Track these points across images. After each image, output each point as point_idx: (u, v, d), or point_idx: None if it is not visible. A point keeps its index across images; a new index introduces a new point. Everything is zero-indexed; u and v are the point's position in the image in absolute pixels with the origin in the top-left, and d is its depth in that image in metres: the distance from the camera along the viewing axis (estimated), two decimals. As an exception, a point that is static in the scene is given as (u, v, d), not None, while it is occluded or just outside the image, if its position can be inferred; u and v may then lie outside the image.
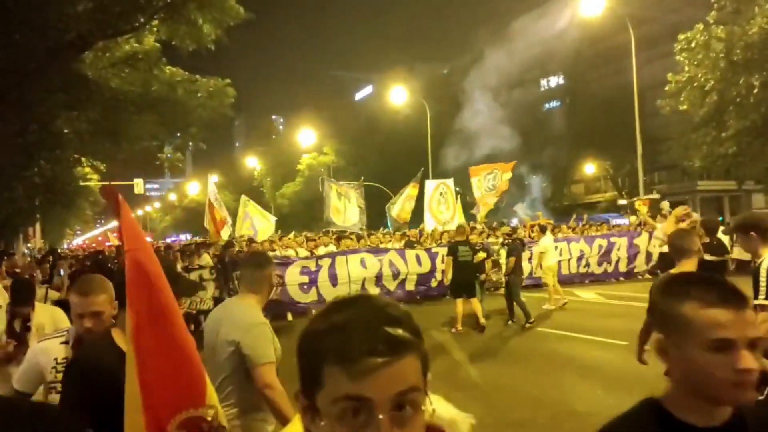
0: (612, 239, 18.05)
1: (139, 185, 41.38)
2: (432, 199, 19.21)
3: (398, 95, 40.36)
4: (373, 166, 42.19)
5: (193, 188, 68.58)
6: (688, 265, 3.89)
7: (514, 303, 11.34)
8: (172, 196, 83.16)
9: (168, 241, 41.94)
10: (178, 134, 20.33)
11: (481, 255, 11.49)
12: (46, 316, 4.29)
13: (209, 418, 2.03)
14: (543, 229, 14.41)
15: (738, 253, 14.50)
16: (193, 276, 11.78)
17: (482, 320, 10.78)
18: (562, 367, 8.30)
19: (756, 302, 3.82)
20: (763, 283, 3.87)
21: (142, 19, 13.10)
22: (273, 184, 57.38)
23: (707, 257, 6.26)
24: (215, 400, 2.12)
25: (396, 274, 14.86)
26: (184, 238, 55.26)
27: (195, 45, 13.89)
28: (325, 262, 13.97)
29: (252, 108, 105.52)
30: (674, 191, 39.12)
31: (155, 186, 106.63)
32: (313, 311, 8.22)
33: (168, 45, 14.89)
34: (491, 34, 46.30)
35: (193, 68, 16.96)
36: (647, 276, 17.43)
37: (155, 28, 14.26)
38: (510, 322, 11.38)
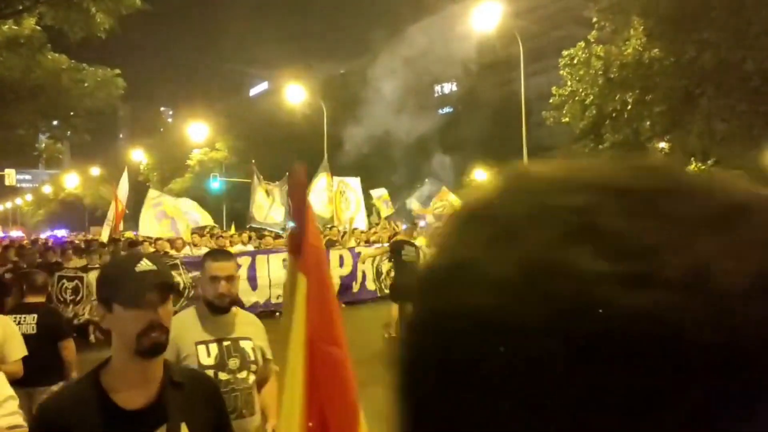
0: None
1: (10, 176, 38.23)
2: (336, 197, 17.94)
3: (294, 93, 40.04)
4: (268, 163, 41.51)
5: (71, 180, 64.31)
6: None
7: None
8: (47, 189, 77.49)
9: (43, 237, 39.12)
10: (55, 122, 18.98)
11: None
12: None
13: None
14: None
15: None
16: (91, 277, 10.55)
17: None
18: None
19: None
20: None
21: (26, 3, 12.17)
22: (160, 179, 54.99)
23: None
24: None
25: None
26: (62, 234, 51.69)
27: (85, 33, 13.08)
28: (244, 262, 12.68)
29: (138, 98, 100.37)
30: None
31: (27, 177, 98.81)
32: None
33: (52, 30, 13.90)
34: (388, 38, 47.06)
35: (79, 55, 15.98)
36: None
37: (40, 13, 13.27)
38: None
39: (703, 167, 27.08)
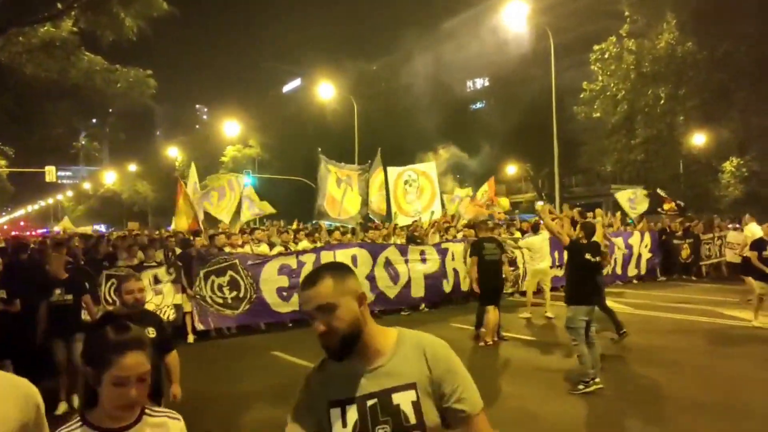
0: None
1: (51, 173, 39.47)
2: (397, 189, 16.16)
3: (327, 90, 40.32)
4: (300, 160, 41.97)
5: (109, 177, 65.92)
6: None
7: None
8: (87, 185, 79.53)
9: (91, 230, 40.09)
10: (94, 120, 19.55)
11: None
12: None
13: None
14: (535, 228, 12.20)
15: (731, 256, 15.72)
16: (146, 277, 9.65)
17: (501, 332, 9.51)
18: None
19: None
20: None
21: (60, 6, 12.63)
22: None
23: (587, 257, 7.14)
24: None
25: (395, 277, 12.37)
26: (101, 229, 53.00)
27: (116, 36, 13.50)
28: (308, 259, 11.42)
29: (174, 96, 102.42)
30: (589, 194, 41.04)
31: (68, 173, 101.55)
32: (290, 324, 9.44)
33: (89, 33, 14.37)
34: (420, 34, 47.07)
35: (115, 56, 16.48)
36: (634, 282, 16.35)
37: (74, 18, 13.74)
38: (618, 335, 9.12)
39: (741, 162, 26.47)
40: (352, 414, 1.79)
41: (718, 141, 25.86)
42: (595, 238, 7.48)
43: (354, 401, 1.80)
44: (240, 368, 8.68)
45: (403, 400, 1.79)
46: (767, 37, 21.57)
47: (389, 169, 16.36)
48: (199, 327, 10.60)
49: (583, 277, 7.18)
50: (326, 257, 11.60)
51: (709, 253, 17.56)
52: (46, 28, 14.82)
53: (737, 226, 16.97)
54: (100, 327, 1.90)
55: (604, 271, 13.41)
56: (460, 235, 14.44)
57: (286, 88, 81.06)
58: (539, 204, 39.44)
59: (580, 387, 6.73)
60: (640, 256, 16.57)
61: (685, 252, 17.05)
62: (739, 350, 8.72)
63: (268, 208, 15.88)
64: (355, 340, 1.81)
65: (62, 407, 6.47)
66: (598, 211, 14.77)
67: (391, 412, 1.78)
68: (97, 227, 52.41)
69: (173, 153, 59.93)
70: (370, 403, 1.79)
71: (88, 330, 1.98)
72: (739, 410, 6.03)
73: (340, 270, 1.90)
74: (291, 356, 8.99)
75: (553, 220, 8.45)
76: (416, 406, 1.78)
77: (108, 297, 9.35)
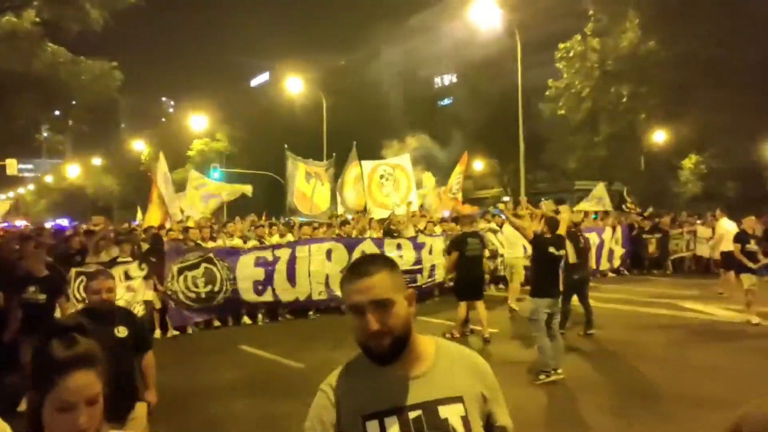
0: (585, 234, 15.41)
1: (12, 165, 38.45)
2: (371, 183, 15.91)
3: (295, 84, 40.12)
4: (269, 154, 41.72)
5: (73, 170, 64.48)
6: None
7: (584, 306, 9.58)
8: (49, 178, 77.61)
9: (48, 225, 39.21)
10: (57, 112, 19.19)
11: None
12: None
13: None
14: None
15: (702, 250, 16.15)
16: (117, 271, 9.19)
17: (487, 331, 9.25)
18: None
19: None
20: None
21: (24, -2, 12.41)
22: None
23: (551, 250, 7.27)
24: None
25: None
26: (65, 224, 51.83)
27: (81, 27, 13.28)
28: (284, 253, 11.42)
29: (140, 88, 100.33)
30: (554, 190, 41.62)
31: (29, 167, 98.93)
32: (259, 315, 9.86)
33: (54, 24, 14.07)
34: (389, 30, 47.13)
35: (80, 48, 16.16)
36: (605, 276, 16.43)
37: (36, 9, 13.46)
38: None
39: (699, 159, 27.24)
40: (393, 427, 1.60)
41: (677, 138, 26.56)
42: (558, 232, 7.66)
43: (394, 412, 1.61)
44: (208, 362, 8.67)
45: (452, 414, 1.63)
46: (722, 37, 22.22)
47: (363, 162, 16.24)
48: (171, 326, 10.49)
49: (547, 271, 7.32)
50: (302, 251, 11.59)
51: (676, 249, 17.79)
52: (7, 18, 14.49)
53: (699, 222, 17.49)
54: (44, 341, 1.59)
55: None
56: (438, 229, 14.43)
57: (254, 82, 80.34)
58: (503, 201, 39.99)
59: (542, 377, 6.87)
60: (611, 251, 16.79)
61: (652, 246, 17.39)
62: (704, 342, 8.91)
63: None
64: (405, 343, 1.64)
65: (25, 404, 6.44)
66: (564, 207, 15.05)
67: (439, 426, 1.61)
68: (51, 223, 51.10)
69: (139, 146, 58.92)
70: (413, 415, 1.61)
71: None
72: (706, 400, 6.03)
73: (392, 263, 1.74)
74: (258, 350, 9.06)
75: (515, 215, 8.60)
76: (466, 421, 1.63)
77: (77, 295, 9.06)
